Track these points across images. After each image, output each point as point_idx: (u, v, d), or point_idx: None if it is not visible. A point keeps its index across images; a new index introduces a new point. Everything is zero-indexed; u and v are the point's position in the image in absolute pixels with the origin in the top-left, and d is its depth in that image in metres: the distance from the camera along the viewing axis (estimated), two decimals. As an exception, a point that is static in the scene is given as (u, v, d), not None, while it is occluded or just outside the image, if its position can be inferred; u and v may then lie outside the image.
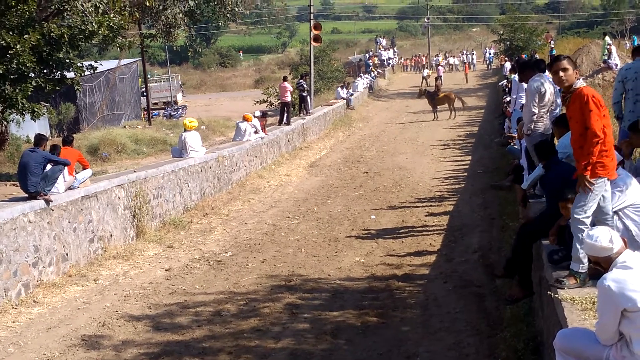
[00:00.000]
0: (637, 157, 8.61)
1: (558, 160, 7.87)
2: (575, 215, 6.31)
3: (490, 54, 67.99)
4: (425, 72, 56.72)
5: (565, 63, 6.45)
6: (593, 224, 6.20)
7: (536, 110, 10.25)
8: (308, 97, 33.01)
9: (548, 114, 10.32)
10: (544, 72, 10.48)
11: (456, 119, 35.95)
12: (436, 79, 43.90)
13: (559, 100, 10.41)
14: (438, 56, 73.15)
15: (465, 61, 66.21)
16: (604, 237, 4.84)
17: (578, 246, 6.21)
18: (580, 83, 6.40)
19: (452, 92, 39.18)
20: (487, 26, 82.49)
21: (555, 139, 9.47)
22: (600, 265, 4.90)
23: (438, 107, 36.90)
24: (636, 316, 4.46)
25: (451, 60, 70.25)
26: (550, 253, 7.15)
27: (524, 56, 33.99)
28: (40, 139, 12.93)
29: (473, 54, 71.51)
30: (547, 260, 7.12)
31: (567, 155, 7.77)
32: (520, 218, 11.66)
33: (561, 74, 6.42)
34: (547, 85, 10.23)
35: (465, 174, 21.74)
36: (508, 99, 21.69)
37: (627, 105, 10.60)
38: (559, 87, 7.31)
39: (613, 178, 6.39)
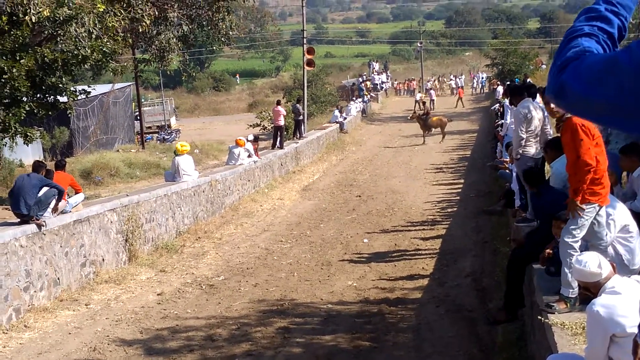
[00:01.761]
0: (626, 182, 8.63)
1: (548, 186, 7.91)
2: (565, 239, 6.36)
3: (482, 78, 68.27)
4: (418, 95, 56.93)
5: None
6: (586, 249, 6.23)
7: (524, 135, 10.32)
8: (303, 121, 33.11)
9: (537, 138, 10.38)
10: (535, 97, 10.55)
11: (449, 142, 36.03)
12: (424, 103, 44.43)
13: (548, 127, 10.49)
14: (430, 80, 73.41)
15: (459, 85, 66.36)
16: (593, 263, 4.86)
17: (567, 270, 6.24)
18: None
19: (445, 115, 39.40)
20: (480, 50, 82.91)
21: (545, 163, 9.52)
22: (590, 290, 4.92)
23: (430, 130, 37.00)
24: (625, 341, 4.47)
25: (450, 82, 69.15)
26: (546, 268, 7.17)
27: (515, 80, 34.16)
28: (38, 166, 13.00)
29: (461, 77, 71.80)
30: (545, 272, 7.15)
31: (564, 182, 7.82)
32: (509, 239, 11.68)
33: (552, 104, 6.51)
34: (535, 110, 10.29)
35: (458, 197, 21.78)
36: (500, 122, 21.79)
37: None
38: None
39: (604, 204, 6.43)
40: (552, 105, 6.56)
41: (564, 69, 2.04)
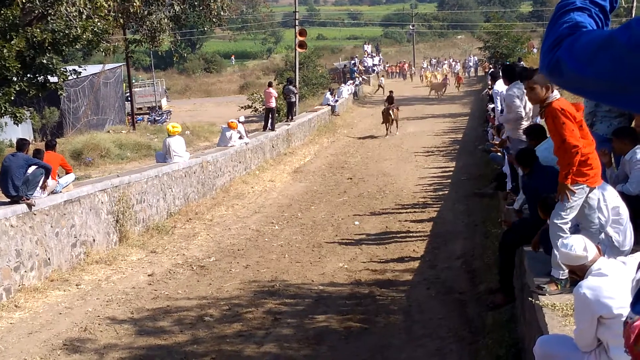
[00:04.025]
0: (617, 166, 8.65)
1: (541, 166, 7.92)
2: (555, 221, 6.38)
3: (475, 61, 68.13)
4: (382, 80, 57.36)
5: (530, 83, 6.58)
6: (578, 232, 6.24)
7: (515, 116, 10.36)
8: (295, 103, 33.03)
9: (528, 121, 10.40)
10: (526, 78, 10.54)
11: (440, 125, 36.00)
12: (391, 92, 38.50)
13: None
14: (424, 63, 73.39)
15: (455, 70, 66.13)
16: (578, 246, 4.87)
17: (557, 252, 6.27)
18: (553, 96, 6.48)
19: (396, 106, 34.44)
20: (472, 33, 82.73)
21: None
22: (576, 273, 4.94)
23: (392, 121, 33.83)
24: (612, 323, 4.49)
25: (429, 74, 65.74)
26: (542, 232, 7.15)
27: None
28: (22, 144, 12.89)
29: (457, 62, 71.63)
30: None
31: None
32: (500, 221, 11.69)
33: (529, 94, 6.60)
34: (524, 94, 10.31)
35: (449, 180, 21.80)
36: (492, 106, 21.79)
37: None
38: None
39: (594, 185, 6.44)
40: (529, 94, 6.61)
41: (558, 45, 2.03)
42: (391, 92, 36.86)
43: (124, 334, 10.24)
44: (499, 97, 13.73)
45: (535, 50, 50.44)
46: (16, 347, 9.74)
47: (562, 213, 6.37)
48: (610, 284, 4.60)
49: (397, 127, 33.91)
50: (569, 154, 6.24)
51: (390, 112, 32.91)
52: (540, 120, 8.97)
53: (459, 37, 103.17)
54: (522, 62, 28.24)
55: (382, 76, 62.90)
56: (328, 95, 41.33)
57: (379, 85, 56.84)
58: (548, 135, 7.24)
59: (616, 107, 7.28)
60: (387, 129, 33.46)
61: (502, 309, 8.79)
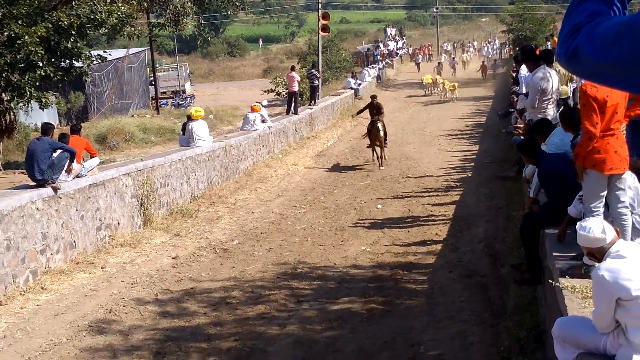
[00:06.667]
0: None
1: (544, 153, 7.93)
2: (586, 205, 6.45)
3: (497, 44, 67.63)
4: (419, 57, 57.42)
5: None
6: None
7: (536, 104, 10.32)
8: (318, 87, 33.00)
9: (553, 105, 10.37)
10: (551, 62, 10.50)
11: (464, 109, 35.77)
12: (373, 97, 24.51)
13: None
14: (445, 45, 72.88)
15: (488, 53, 65.21)
16: (597, 228, 4.87)
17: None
18: None
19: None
20: (497, 16, 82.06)
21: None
22: (594, 255, 4.94)
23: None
24: (631, 304, 4.51)
25: (465, 56, 64.42)
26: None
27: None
28: (47, 128, 13.01)
29: (489, 43, 70.70)
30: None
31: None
32: (525, 209, 11.69)
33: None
34: (551, 76, 10.26)
35: (472, 164, 21.75)
36: (515, 89, 21.68)
37: None
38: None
39: (606, 173, 6.41)
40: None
41: (577, 33, 2.03)
42: (374, 96, 24.28)
43: (148, 316, 10.36)
44: (523, 83, 13.69)
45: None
46: (43, 328, 9.88)
47: (584, 198, 6.43)
48: (628, 266, 4.61)
49: (384, 154, 22.49)
50: (583, 137, 6.30)
51: (379, 126, 21.81)
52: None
53: (483, 20, 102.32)
54: (549, 43, 27.94)
55: (418, 54, 62.74)
56: (350, 79, 41.26)
57: (416, 64, 56.90)
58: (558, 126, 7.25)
59: (633, 93, 7.21)
60: (375, 156, 22.50)
61: (524, 292, 8.80)
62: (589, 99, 6.27)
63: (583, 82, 6.48)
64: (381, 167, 21.87)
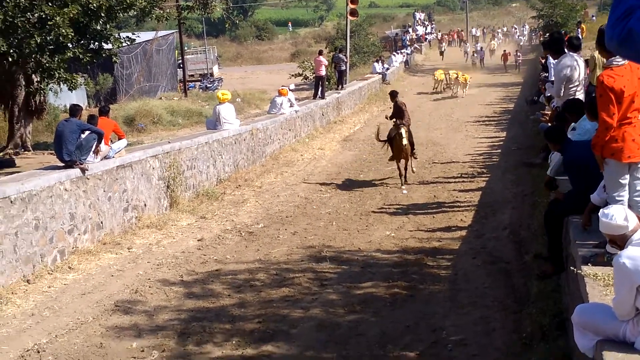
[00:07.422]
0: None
1: (570, 140, 7.90)
2: (609, 194, 6.45)
3: (525, 30, 67.05)
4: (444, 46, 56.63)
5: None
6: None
7: (561, 92, 10.26)
8: (345, 71, 32.95)
9: (580, 93, 10.30)
10: (577, 49, 10.43)
11: (492, 95, 35.53)
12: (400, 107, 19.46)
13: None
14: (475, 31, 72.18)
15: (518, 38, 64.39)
16: (619, 215, 4.86)
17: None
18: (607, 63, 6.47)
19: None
20: (527, 1, 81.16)
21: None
22: (616, 243, 4.94)
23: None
24: (652, 292, 4.51)
25: (493, 43, 62.46)
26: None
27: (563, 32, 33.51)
28: (75, 109, 13.13)
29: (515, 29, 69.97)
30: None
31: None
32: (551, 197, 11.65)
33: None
34: (577, 65, 10.19)
35: (499, 150, 21.65)
36: (544, 75, 21.51)
37: None
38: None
39: (624, 161, 6.40)
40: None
41: (630, 16, 1.99)
42: (394, 93, 19.64)
43: (173, 297, 10.47)
44: (552, 70, 13.59)
45: (594, 19, 49.35)
46: (70, 307, 10.02)
47: (607, 186, 6.44)
48: (650, 254, 4.61)
49: (411, 166, 18.48)
50: (600, 127, 6.31)
51: (402, 132, 17.35)
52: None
53: (513, 5, 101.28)
54: (579, 30, 27.65)
55: (444, 42, 62.33)
56: (376, 64, 41.18)
57: (441, 52, 56.55)
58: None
59: None
60: (402, 173, 17.78)
61: (547, 280, 8.78)
62: (605, 90, 6.25)
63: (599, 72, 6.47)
64: (402, 188, 17.23)
